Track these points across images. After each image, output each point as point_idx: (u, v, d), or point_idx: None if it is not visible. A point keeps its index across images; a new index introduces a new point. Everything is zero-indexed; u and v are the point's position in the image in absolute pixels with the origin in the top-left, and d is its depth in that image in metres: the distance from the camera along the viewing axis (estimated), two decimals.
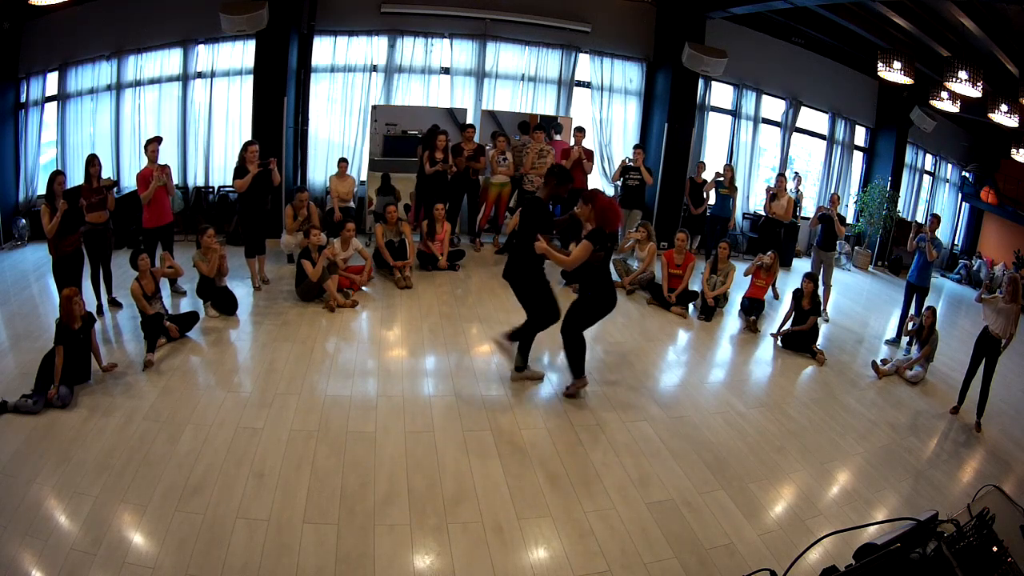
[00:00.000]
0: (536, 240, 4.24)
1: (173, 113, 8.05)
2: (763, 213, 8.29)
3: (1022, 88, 6.84)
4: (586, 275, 4.42)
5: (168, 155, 6.78)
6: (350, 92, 8.41)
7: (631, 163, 7.98)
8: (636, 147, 8.14)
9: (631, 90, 9.23)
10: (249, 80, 7.86)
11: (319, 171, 8.53)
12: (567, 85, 8.97)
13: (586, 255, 4.20)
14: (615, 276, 7.30)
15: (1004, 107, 6.93)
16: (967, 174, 11.55)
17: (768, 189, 8.19)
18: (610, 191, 9.43)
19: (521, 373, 4.77)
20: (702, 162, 8.84)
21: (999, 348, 4.99)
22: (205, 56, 8.01)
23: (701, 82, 8.93)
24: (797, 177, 9.63)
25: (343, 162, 7.69)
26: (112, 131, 7.83)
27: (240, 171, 6.05)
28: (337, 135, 8.52)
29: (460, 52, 8.62)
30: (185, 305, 5.79)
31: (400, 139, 7.90)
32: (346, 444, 3.81)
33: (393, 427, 4.03)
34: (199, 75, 8.03)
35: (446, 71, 8.65)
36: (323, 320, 5.66)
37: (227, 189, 8.21)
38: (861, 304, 8.28)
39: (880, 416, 4.98)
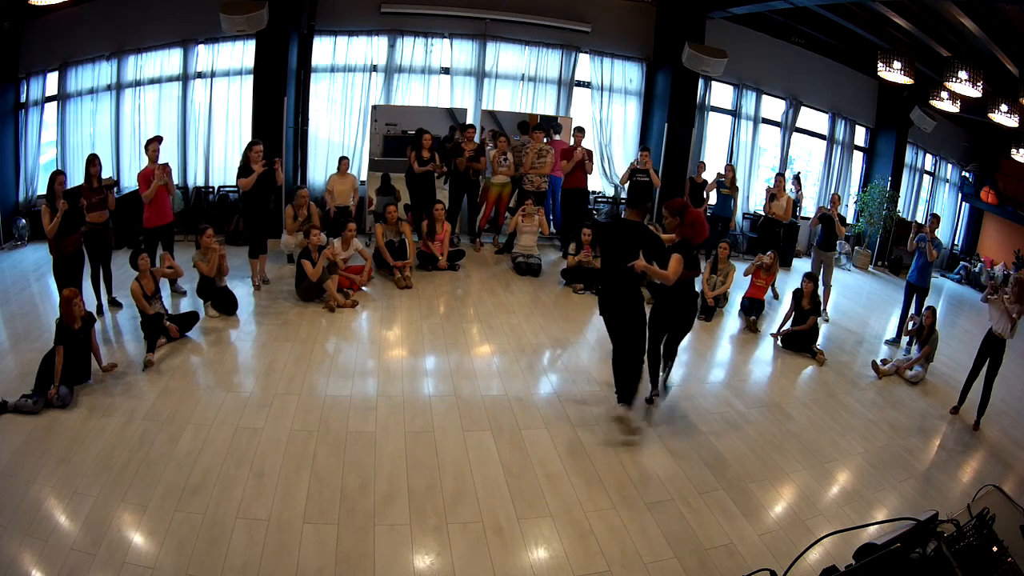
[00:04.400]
0: (637, 260, 4.11)
1: (173, 113, 8.05)
2: (763, 213, 8.29)
3: (1022, 88, 6.84)
4: (672, 288, 4.29)
5: (168, 155, 6.77)
6: (350, 92, 8.41)
7: (639, 165, 7.96)
8: (643, 149, 8.13)
9: (631, 90, 9.23)
10: (249, 80, 7.87)
11: (319, 171, 8.53)
12: (567, 85, 8.97)
13: (681, 267, 4.13)
14: None
15: (1004, 107, 6.93)
16: (967, 174, 11.55)
17: (768, 189, 8.19)
18: (611, 191, 9.47)
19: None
20: (702, 162, 8.83)
21: (1004, 350, 4.98)
22: (205, 56, 8.01)
23: (701, 82, 8.93)
24: (797, 180, 9.63)
25: (344, 160, 7.65)
26: (112, 131, 7.83)
27: (244, 170, 6.05)
28: (337, 135, 8.52)
29: (460, 52, 8.62)
30: (185, 305, 5.79)
31: (400, 139, 7.90)
32: (346, 444, 3.81)
33: (393, 427, 4.03)
34: (199, 75, 8.04)
35: (446, 71, 8.65)
36: (323, 320, 5.66)
37: (227, 189, 8.21)
38: (861, 304, 8.28)
39: (880, 416, 4.98)
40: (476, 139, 7.70)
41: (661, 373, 4.73)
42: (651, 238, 4.25)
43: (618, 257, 4.16)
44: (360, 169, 8.38)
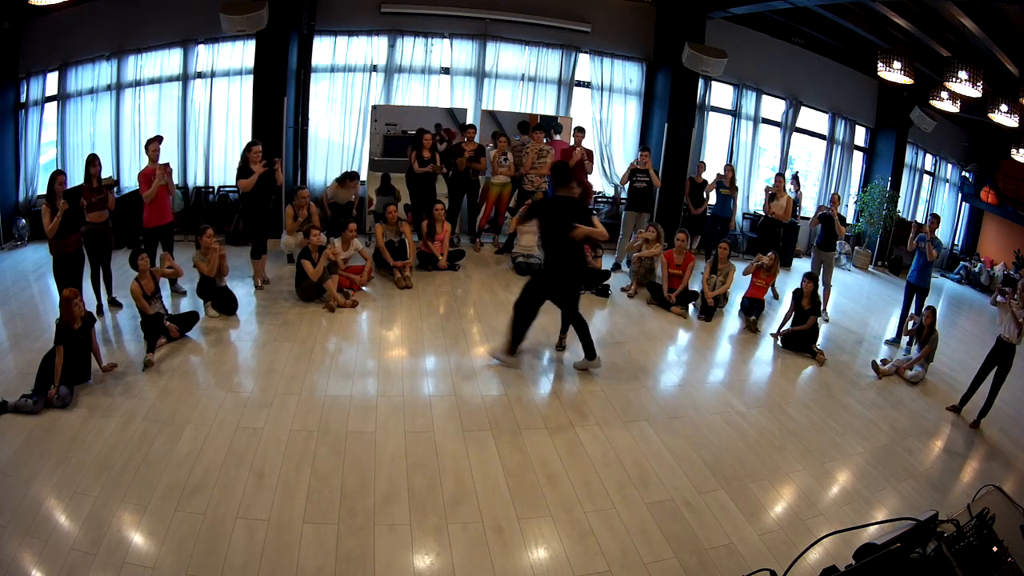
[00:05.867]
0: (576, 231, 4.54)
1: (173, 113, 8.05)
2: (763, 213, 8.29)
3: (1022, 88, 6.84)
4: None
5: (168, 155, 6.76)
6: (350, 92, 8.41)
7: (639, 166, 7.94)
8: (643, 150, 8.11)
9: (631, 90, 9.23)
10: (249, 80, 7.86)
11: (319, 171, 8.53)
12: (567, 85, 8.96)
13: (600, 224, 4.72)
14: (628, 279, 7.36)
15: (1004, 107, 6.92)
16: (967, 174, 11.55)
17: (767, 189, 8.18)
18: (611, 191, 9.48)
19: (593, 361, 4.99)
20: (702, 162, 8.82)
21: (1013, 356, 4.93)
22: (205, 56, 8.01)
23: (701, 82, 8.92)
24: (796, 180, 9.64)
25: (353, 180, 7.16)
26: (112, 131, 7.82)
27: (243, 171, 6.04)
28: (337, 135, 8.52)
29: (460, 52, 8.62)
30: (185, 305, 5.79)
31: (400, 139, 7.90)
32: (346, 444, 3.81)
33: (393, 427, 4.03)
34: (199, 75, 8.03)
35: (446, 71, 8.65)
36: (323, 320, 5.66)
37: (227, 189, 8.21)
38: (861, 304, 8.28)
39: (880, 416, 4.98)
40: (474, 139, 7.70)
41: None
42: (583, 210, 4.71)
43: (559, 229, 4.58)
44: (360, 169, 8.38)
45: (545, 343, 5.54)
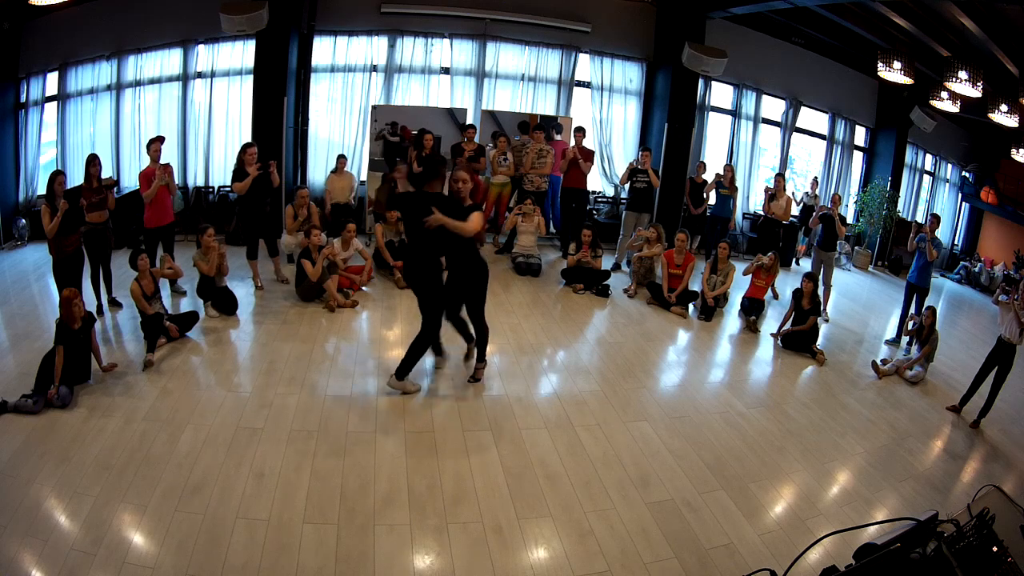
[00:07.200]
0: (430, 218, 4.03)
1: (173, 113, 8.05)
2: (762, 213, 8.29)
3: (1022, 88, 6.84)
4: (467, 250, 4.36)
5: (168, 155, 6.77)
6: (350, 92, 8.42)
7: (638, 166, 7.93)
8: (643, 150, 8.10)
9: (631, 90, 9.23)
10: (249, 80, 7.87)
11: (319, 171, 8.53)
12: (567, 85, 8.97)
13: (482, 222, 4.26)
14: (628, 279, 7.32)
15: (1004, 107, 6.93)
16: (967, 174, 11.55)
17: (767, 189, 8.18)
18: (611, 191, 9.48)
19: (402, 383, 4.41)
20: (702, 162, 8.82)
21: (1014, 356, 4.92)
22: (205, 56, 8.01)
23: (701, 82, 8.92)
24: (815, 184, 9.65)
25: (341, 159, 7.64)
26: (112, 131, 7.83)
27: (239, 173, 6.04)
28: (337, 135, 8.52)
29: (460, 52, 8.62)
30: (185, 305, 5.79)
31: (396, 146, 7.90)
32: (346, 444, 3.81)
33: (393, 427, 4.03)
34: (199, 75, 8.04)
35: (446, 71, 8.65)
36: (323, 320, 5.66)
37: (227, 189, 8.21)
38: (861, 304, 8.28)
39: (880, 416, 4.98)
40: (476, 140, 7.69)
41: (469, 344, 4.81)
42: (448, 201, 4.22)
43: (421, 225, 4.08)
44: (360, 169, 8.39)
45: (545, 344, 5.54)
